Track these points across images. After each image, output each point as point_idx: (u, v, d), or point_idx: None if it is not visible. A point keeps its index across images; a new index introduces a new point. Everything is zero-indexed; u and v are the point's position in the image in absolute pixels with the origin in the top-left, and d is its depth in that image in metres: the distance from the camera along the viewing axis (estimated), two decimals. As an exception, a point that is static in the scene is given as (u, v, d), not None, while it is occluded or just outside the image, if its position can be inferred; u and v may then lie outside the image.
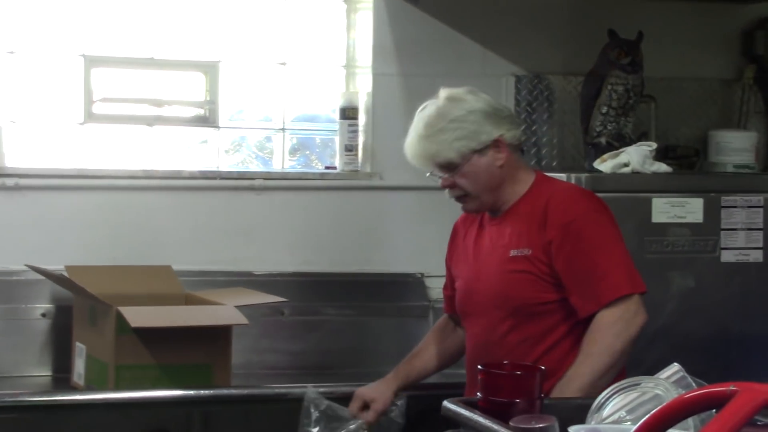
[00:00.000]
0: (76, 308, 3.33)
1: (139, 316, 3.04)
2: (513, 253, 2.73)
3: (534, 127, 3.92)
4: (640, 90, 3.72)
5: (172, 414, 3.10)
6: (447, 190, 2.78)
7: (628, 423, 1.93)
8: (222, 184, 3.76)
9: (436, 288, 3.15)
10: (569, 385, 2.57)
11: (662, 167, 3.51)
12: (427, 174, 2.82)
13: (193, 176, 3.74)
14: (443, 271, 3.02)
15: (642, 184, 3.45)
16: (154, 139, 3.81)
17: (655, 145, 3.55)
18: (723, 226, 3.45)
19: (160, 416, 3.09)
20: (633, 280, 2.66)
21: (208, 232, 3.72)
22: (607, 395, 2.01)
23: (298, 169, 3.99)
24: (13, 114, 3.70)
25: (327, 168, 3.94)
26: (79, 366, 3.26)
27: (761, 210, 3.49)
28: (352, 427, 2.90)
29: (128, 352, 3.08)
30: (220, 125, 3.86)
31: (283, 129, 3.96)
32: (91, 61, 3.73)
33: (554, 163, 3.94)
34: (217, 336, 3.19)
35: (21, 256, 3.47)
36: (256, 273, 3.72)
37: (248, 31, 3.90)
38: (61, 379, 3.38)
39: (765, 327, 3.49)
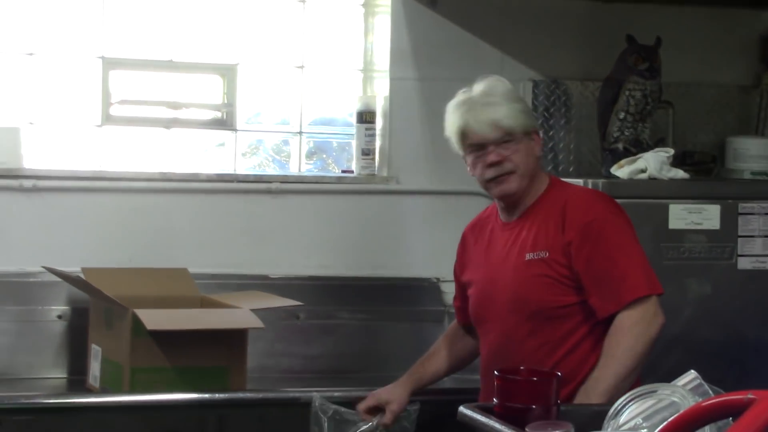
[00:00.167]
0: (92, 310, 3.34)
1: (154, 319, 3.04)
2: (529, 256, 2.72)
3: (551, 132, 3.91)
4: (658, 96, 3.71)
5: (187, 417, 3.11)
6: (487, 171, 2.73)
7: (645, 430, 1.93)
8: (239, 187, 3.76)
9: (451, 293, 3.14)
10: (595, 388, 2.57)
11: (679, 173, 3.50)
12: (464, 153, 2.77)
13: (210, 179, 3.75)
14: (454, 281, 3.02)
15: (659, 191, 3.44)
16: (172, 142, 3.82)
17: (672, 151, 3.55)
18: (740, 233, 3.44)
19: (175, 419, 3.09)
20: (651, 281, 2.67)
21: (224, 235, 3.73)
22: (624, 402, 2.00)
23: (315, 172, 3.99)
24: (31, 116, 3.71)
25: (344, 172, 3.95)
26: (94, 368, 3.27)
27: (779, 217, 3.48)
28: (364, 427, 2.91)
29: (144, 355, 3.08)
30: (237, 128, 3.87)
31: (300, 132, 3.96)
32: (110, 64, 3.74)
33: (571, 169, 3.93)
34: (233, 339, 3.19)
35: (38, 258, 3.48)
36: (272, 276, 3.73)
37: (266, 34, 3.91)
38: (77, 381, 3.38)
39: (782, 334, 3.48)
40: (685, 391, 1.97)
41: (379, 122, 3.89)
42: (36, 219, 3.58)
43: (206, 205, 3.73)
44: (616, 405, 2.00)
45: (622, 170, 3.51)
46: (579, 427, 1.95)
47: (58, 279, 3.38)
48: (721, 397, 1.61)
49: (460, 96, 2.79)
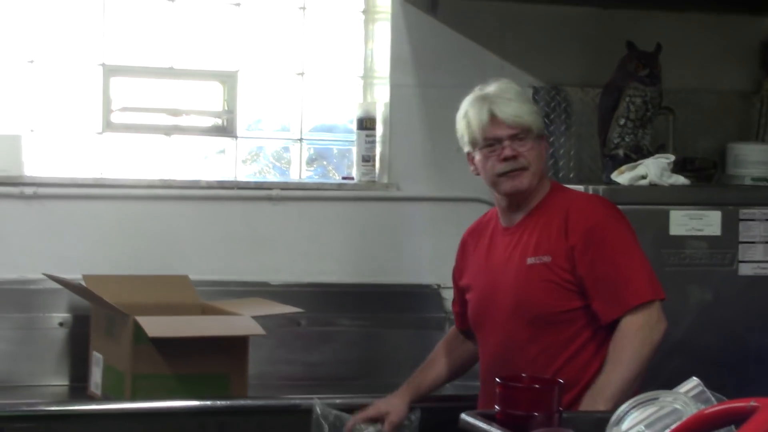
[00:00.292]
0: (94, 317, 3.34)
1: (156, 326, 3.04)
2: (531, 260, 2.73)
3: (552, 139, 3.91)
4: (658, 102, 3.71)
5: (188, 424, 3.10)
6: (501, 164, 2.73)
7: (647, 437, 1.92)
8: (239, 194, 3.76)
9: (452, 299, 3.14)
10: (602, 394, 2.57)
11: (680, 180, 3.50)
12: (474, 149, 2.77)
13: (210, 186, 3.75)
14: (456, 285, 3.02)
15: (659, 197, 3.44)
16: (172, 149, 3.82)
17: (672, 158, 3.55)
18: (741, 239, 3.44)
19: (176, 426, 3.10)
20: (654, 286, 2.68)
21: (225, 242, 3.73)
22: (626, 409, 2.00)
23: (316, 179, 4.00)
24: (32, 123, 3.71)
25: (344, 178, 3.95)
26: (96, 375, 3.27)
27: (780, 223, 3.48)
28: (371, 429, 2.91)
29: (145, 362, 3.08)
30: (237, 135, 3.87)
31: (300, 139, 3.97)
32: (110, 71, 3.74)
33: (571, 175, 3.93)
34: (234, 346, 3.19)
35: (39, 265, 3.48)
36: (273, 283, 3.73)
37: (266, 41, 3.91)
38: (78, 389, 3.38)
39: (784, 341, 3.48)
40: (687, 398, 1.97)
41: (379, 129, 3.89)
42: (37, 226, 3.58)
43: (207, 212, 3.73)
44: (618, 412, 2.00)
45: (622, 176, 3.51)
46: (581, 434, 1.95)
47: (59, 286, 3.38)
48: (724, 404, 1.62)
49: (478, 92, 2.80)
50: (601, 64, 3.84)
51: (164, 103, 3.82)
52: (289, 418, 3.15)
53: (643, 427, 1.95)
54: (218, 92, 3.86)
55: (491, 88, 2.80)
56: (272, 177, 3.95)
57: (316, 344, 3.70)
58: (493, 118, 2.74)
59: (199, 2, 3.83)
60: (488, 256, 2.84)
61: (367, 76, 3.98)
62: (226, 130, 3.86)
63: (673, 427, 1.66)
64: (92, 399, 3.25)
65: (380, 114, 3.90)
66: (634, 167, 3.52)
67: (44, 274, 3.42)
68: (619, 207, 2.84)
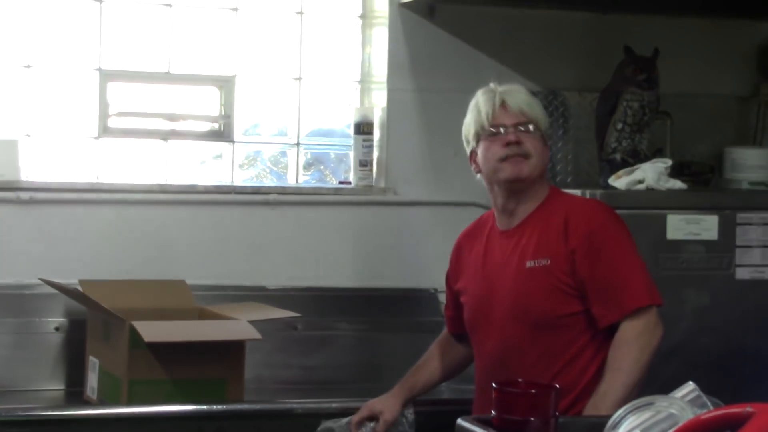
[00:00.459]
0: (90, 322, 3.33)
1: (152, 331, 3.04)
2: (530, 264, 2.73)
3: (549, 143, 3.90)
4: (656, 106, 3.72)
5: (185, 429, 3.10)
6: (503, 149, 2.75)
7: (643, 442, 1.92)
8: (236, 198, 3.76)
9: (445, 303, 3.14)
10: (604, 401, 2.57)
11: (677, 184, 3.50)
12: (479, 142, 2.79)
13: (207, 191, 3.75)
14: (455, 287, 3.02)
15: (657, 201, 3.44)
16: (169, 154, 3.82)
17: (670, 162, 3.55)
18: (738, 243, 3.44)
19: (173, 431, 3.09)
20: (652, 291, 2.69)
21: (221, 247, 3.73)
22: (622, 414, 1.99)
23: (313, 183, 3.99)
24: (29, 128, 3.71)
25: (341, 183, 3.95)
26: (92, 380, 3.26)
27: (777, 228, 3.48)
28: (365, 428, 2.91)
29: (141, 367, 3.08)
30: (234, 140, 3.87)
31: (297, 144, 3.97)
32: (107, 76, 3.74)
33: (569, 180, 3.93)
34: (231, 351, 3.19)
35: (35, 270, 3.48)
36: (270, 288, 3.73)
37: (263, 46, 3.91)
38: (74, 394, 3.37)
39: (781, 346, 3.48)
40: (683, 403, 1.96)
41: (376, 133, 3.89)
42: (33, 231, 3.57)
43: (204, 216, 3.72)
44: (614, 417, 2.00)
45: (620, 181, 3.51)
46: (577, 439, 1.95)
47: (56, 291, 3.38)
48: (720, 410, 1.61)
49: (491, 86, 2.85)
50: (599, 69, 3.84)
51: (161, 107, 3.82)
52: (286, 422, 3.16)
53: (639, 432, 1.94)
54: (215, 97, 3.87)
55: (503, 86, 2.84)
56: (269, 182, 3.95)
57: (313, 348, 3.70)
58: (504, 104, 2.78)
59: (196, 7, 3.83)
60: (485, 259, 2.84)
61: (365, 81, 3.98)
62: (223, 134, 3.86)
63: (669, 432, 1.66)
64: (88, 404, 3.25)
65: (377, 119, 3.90)
66: (632, 172, 3.52)
67: (40, 279, 3.41)
68: (617, 211, 2.84)
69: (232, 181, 3.86)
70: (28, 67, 3.70)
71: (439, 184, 3.88)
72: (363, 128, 3.87)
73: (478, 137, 2.80)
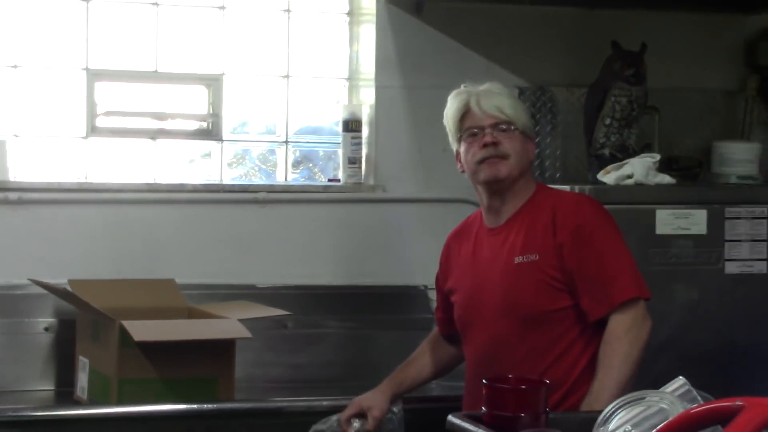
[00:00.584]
0: (80, 322, 3.33)
1: (142, 330, 3.03)
2: (518, 260, 2.73)
3: (537, 139, 3.91)
4: (644, 101, 3.72)
5: (175, 428, 3.09)
6: (481, 151, 2.75)
7: (633, 437, 1.92)
8: (225, 197, 3.76)
9: (435, 304, 3.14)
10: (598, 399, 2.56)
11: (666, 179, 3.51)
12: (459, 141, 2.79)
13: (196, 189, 3.74)
14: (446, 284, 3.02)
15: (645, 196, 3.44)
16: (158, 153, 3.81)
17: (658, 157, 3.55)
18: (727, 238, 3.45)
19: (164, 430, 3.08)
20: (640, 284, 2.70)
21: (211, 246, 3.72)
22: (613, 409, 2.00)
23: (301, 181, 3.99)
24: (16, 128, 3.70)
25: (330, 181, 3.94)
26: (82, 380, 3.26)
27: (765, 221, 3.48)
28: (355, 425, 2.91)
29: (131, 366, 3.07)
30: (223, 138, 3.86)
31: (286, 142, 3.96)
32: (95, 75, 3.73)
33: (558, 175, 3.93)
34: (221, 350, 3.18)
35: (24, 270, 3.47)
36: (260, 286, 3.72)
37: (251, 44, 3.91)
38: (64, 393, 3.37)
39: (769, 339, 3.49)
40: (673, 397, 1.97)
41: (365, 131, 3.89)
42: (22, 231, 3.56)
43: (193, 215, 3.72)
44: (605, 412, 2.00)
45: (608, 176, 3.51)
46: (568, 434, 1.95)
47: (45, 291, 3.37)
48: (710, 404, 1.62)
49: (463, 87, 2.84)
50: (587, 64, 3.84)
51: (149, 106, 3.81)
52: (276, 420, 3.15)
53: (629, 427, 1.95)
54: (203, 95, 3.86)
55: (479, 86, 2.83)
56: (258, 180, 3.95)
57: (303, 347, 3.70)
58: (470, 109, 2.77)
59: (184, 6, 3.82)
60: (474, 257, 2.84)
61: (353, 78, 3.98)
62: (211, 133, 3.85)
63: (659, 426, 1.66)
64: (78, 404, 3.24)
65: (366, 116, 3.89)
66: (620, 167, 3.52)
67: (30, 279, 3.40)
68: (606, 206, 2.84)
69: (221, 180, 3.86)
70: (16, 67, 3.69)
71: (428, 181, 3.88)
72: (351, 125, 3.87)
73: (458, 139, 2.81)
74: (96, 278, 3.43)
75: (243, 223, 3.76)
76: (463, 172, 2.84)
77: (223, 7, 3.86)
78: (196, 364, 3.14)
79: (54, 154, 3.75)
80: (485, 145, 2.75)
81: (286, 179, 3.96)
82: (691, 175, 3.91)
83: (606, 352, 2.64)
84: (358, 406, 2.93)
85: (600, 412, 2.00)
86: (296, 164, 4.02)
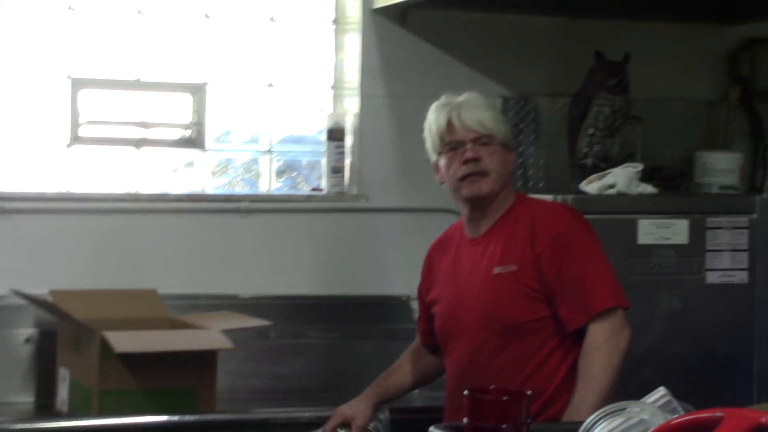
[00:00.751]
0: (61, 333, 3.31)
1: (123, 341, 3.02)
2: (497, 270, 2.73)
3: (521, 149, 3.92)
4: (627, 111, 3.73)
5: (157, 439, 3.08)
6: (462, 168, 2.74)
7: (615, 448, 1.92)
8: (208, 206, 3.75)
9: (417, 315, 3.14)
10: (579, 409, 2.56)
11: (648, 188, 3.52)
12: (439, 155, 2.78)
13: (179, 199, 3.73)
14: (429, 294, 3.02)
15: (628, 206, 3.45)
16: (141, 161, 3.80)
17: (641, 167, 3.56)
18: (708, 248, 3.46)
19: (145, 442, 3.07)
20: (618, 294, 2.69)
21: (193, 255, 3.71)
22: (594, 420, 2.00)
23: (285, 191, 3.99)
24: (-2, 137, 3.69)
25: (314, 190, 3.94)
26: (62, 392, 3.24)
27: (746, 231, 3.50)
28: None
29: (113, 377, 3.06)
30: (206, 147, 3.86)
31: (269, 151, 3.96)
32: (78, 83, 3.72)
33: (541, 185, 3.94)
34: (203, 360, 3.17)
35: (5, 281, 3.45)
36: (242, 296, 3.71)
37: (235, 52, 3.90)
38: (45, 405, 3.35)
39: (750, 348, 3.49)
40: (654, 408, 1.97)
41: (349, 140, 3.89)
42: (3, 241, 3.54)
43: (175, 225, 3.71)
44: (586, 423, 2.00)
45: (591, 186, 3.52)
46: (549, 446, 1.95)
47: (26, 302, 3.35)
48: (690, 415, 1.62)
49: (444, 99, 2.82)
50: (570, 74, 3.85)
51: (132, 115, 3.80)
52: None
53: (610, 438, 1.95)
54: (187, 104, 3.85)
55: (459, 97, 2.82)
56: (241, 189, 3.94)
57: (286, 357, 3.69)
58: (451, 123, 2.76)
59: (167, 14, 3.82)
60: (454, 268, 2.84)
61: (337, 87, 3.98)
62: (194, 142, 3.85)
63: (639, 438, 1.66)
64: (59, 416, 3.22)
65: (350, 125, 3.89)
66: (603, 176, 3.53)
67: (11, 290, 3.39)
68: (588, 216, 2.84)
69: (204, 189, 3.85)
70: (-2, 75, 3.68)
71: (412, 191, 3.88)
72: (335, 134, 3.86)
73: (438, 152, 2.80)
74: (78, 288, 3.41)
75: (226, 233, 3.75)
76: (441, 183, 2.84)
77: (207, 16, 3.85)
78: (178, 375, 3.13)
79: (36, 163, 3.74)
80: (466, 161, 2.74)
81: (269, 188, 3.95)
82: (674, 185, 3.93)
83: (586, 363, 2.64)
84: (341, 416, 2.92)
85: (581, 423, 2.00)
86: (280, 173, 4.02)
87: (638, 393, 2.08)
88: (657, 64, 4.06)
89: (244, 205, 3.76)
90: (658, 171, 3.90)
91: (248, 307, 3.58)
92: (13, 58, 3.69)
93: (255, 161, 4.00)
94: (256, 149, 3.98)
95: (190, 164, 3.90)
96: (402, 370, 3.02)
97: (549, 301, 2.69)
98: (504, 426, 2.09)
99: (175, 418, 3.08)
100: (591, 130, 3.69)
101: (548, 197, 3.25)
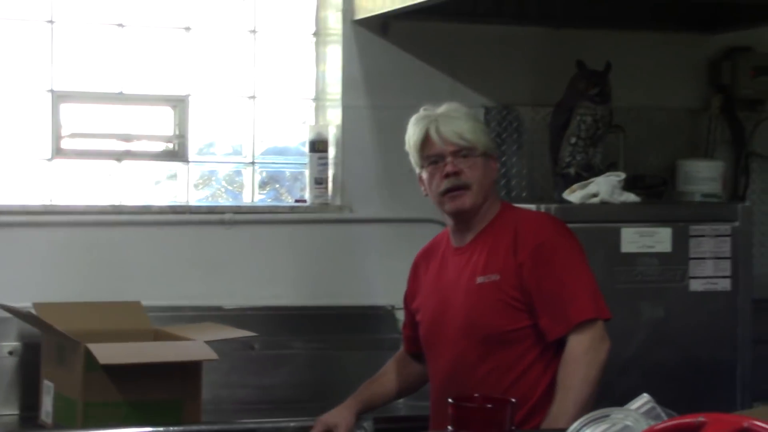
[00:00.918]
0: (45, 345, 3.30)
1: (107, 353, 3.01)
2: (480, 279, 2.73)
3: (503, 158, 3.93)
4: (609, 120, 3.74)
5: (142, 451, 3.07)
6: (445, 182, 2.74)
7: (599, 455, 1.93)
8: (191, 218, 3.74)
9: (403, 322, 3.14)
10: (557, 419, 2.56)
11: (631, 197, 3.53)
12: (421, 168, 2.78)
13: (162, 211, 3.73)
14: (413, 304, 3.02)
15: (611, 215, 3.46)
16: (123, 174, 3.80)
17: (623, 175, 3.58)
18: (691, 255, 3.47)
19: (130, 454, 3.06)
20: (599, 305, 2.69)
21: (177, 267, 3.70)
22: (578, 427, 2.01)
23: (268, 202, 3.98)
24: (-20, 150, 3.68)
25: (297, 201, 3.94)
26: (46, 404, 3.22)
27: (729, 239, 3.51)
28: None
29: (97, 389, 3.04)
30: (189, 159, 3.85)
31: (252, 162, 3.95)
32: (60, 97, 3.72)
33: (524, 194, 3.95)
34: (187, 372, 3.16)
35: (-12, 293, 3.44)
36: (226, 307, 3.71)
37: (217, 65, 3.90)
38: (29, 418, 3.34)
39: (733, 355, 3.51)
40: (638, 414, 1.97)
41: (331, 151, 3.89)
42: (-14, 254, 3.53)
43: (159, 237, 3.70)
44: (570, 430, 2.01)
45: (574, 195, 3.53)
46: (533, 453, 1.95)
47: (9, 315, 3.34)
48: (674, 420, 1.63)
49: (423, 111, 2.82)
50: (552, 84, 3.87)
51: (114, 128, 3.80)
52: (244, 443, 3.13)
53: (594, 445, 1.95)
54: (169, 117, 3.85)
55: (436, 108, 2.81)
56: (224, 201, 3.94)
57: (270, 368, 3.68)
58: (429, 137, 2.75)
59: (149, 27, 3.82)
60: (439, 276, 2.85)
61: (319, 99, 3.98)
62: (177, 154, 3.84)
63: (623, 443, 1.67)
64: (43, 428, 3.20)
65: (332, 136, 3.90)
66: (586, 185, 3.54)
67: (-6, 303, 3.38)
68: (571, 225, 2.85)
69: (187, 201, 3.85)
70: (-21, 88, 3.68)
71: (395, 201, 3.88)
72: (318, 146, 3.87)
73: (420, 166, 2.80)
74: (61, 301, 3.40)
75: (209, 245, 3.74)
76: (427, 195, 2.84)
77: (188, 28, 3.85)
78: (163, 387, 3.11)
79: (18, 176, 3.73)
80: (447, 176, 2.74)
81: (252, 200, 3.95)
82: (656, 194, 3.94)
83: (565, 374, 2.64)
84: (323, 425, 2.91)
85: (562, 430, 2.01)
86: (263, 185, 4.02)
87: (622, 400, 2.09)
88: (638, 73, 4.08)
89: (227, 216, 3.76)
90: (641, 179, 3.91)
91: (232, 319, 3.58)
92: (-6, 72, 3.68)
93: (238, 173, 4.00)
94: (239, 161, 3.98)
95: (173, 176, 3.89)
96: (386, 378, 3.02)
97: (530, 311, 2.70)
98: (488, 434, 2.09)
99: (160, 429, 3.06)
100: (573, 140, 3.71)
101: (531, 206, 3.26)
